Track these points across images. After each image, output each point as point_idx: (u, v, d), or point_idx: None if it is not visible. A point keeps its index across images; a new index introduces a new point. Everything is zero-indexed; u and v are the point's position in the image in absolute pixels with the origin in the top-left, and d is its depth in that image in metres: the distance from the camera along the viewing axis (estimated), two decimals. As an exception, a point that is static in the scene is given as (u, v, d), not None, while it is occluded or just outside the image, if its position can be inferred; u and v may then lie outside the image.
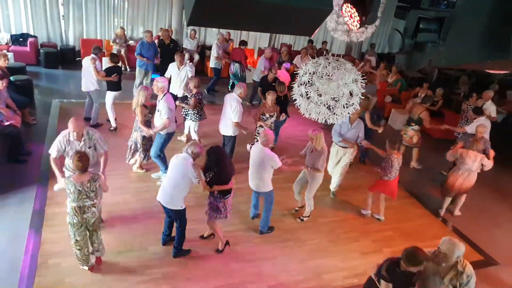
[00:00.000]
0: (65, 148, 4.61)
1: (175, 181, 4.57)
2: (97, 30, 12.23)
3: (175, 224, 4.89)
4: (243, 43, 10.93)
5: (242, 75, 10.70)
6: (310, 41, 13.61)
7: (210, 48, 13.06)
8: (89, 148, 4.67)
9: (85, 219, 4.16)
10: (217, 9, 1.87)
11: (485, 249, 6.08)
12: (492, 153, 6.39)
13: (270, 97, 6.93)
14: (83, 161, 3.99)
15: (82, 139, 4.63)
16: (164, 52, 9.57)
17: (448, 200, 6.74)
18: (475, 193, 7.34)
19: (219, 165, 4.62)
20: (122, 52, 11.32)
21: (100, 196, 4.38)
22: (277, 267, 5.10)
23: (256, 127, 7.18)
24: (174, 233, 5.00)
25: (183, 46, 11.87)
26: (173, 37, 10.85)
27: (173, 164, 4.61)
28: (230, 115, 6.61)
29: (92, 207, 4.16)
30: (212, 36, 13.48)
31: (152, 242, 5.14)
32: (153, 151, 6.28)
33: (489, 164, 6.26)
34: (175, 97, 7.57)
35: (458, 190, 6.51)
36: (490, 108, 8.49)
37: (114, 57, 7.82)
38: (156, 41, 10.04)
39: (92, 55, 7.57)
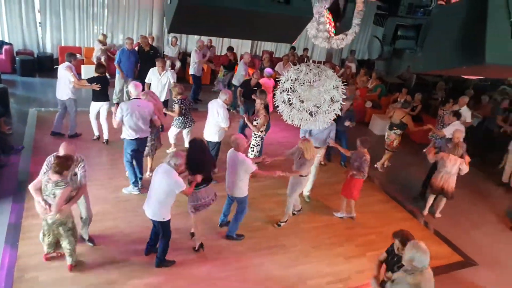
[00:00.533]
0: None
1: (158, 194, 4.46)
2: (75, 38, 12.05)
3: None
4: (230, 49, 10.94)
5: (228, 82, 10.73)
6: (292, 48, 13.74)
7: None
8: (74, 175, 4.53)
9: (43, 218, 4.25)
10: (198, 16, 1.87)
11: (465, 250, 6.20)
12: (467, 158, 6.55)
13: (259, 100, 6.91)
14: (58, 165, 4.04)
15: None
16: (144, 59, 9.48)
17: (431, 199, 6.89)
18: (454, 196, 7.51)
19: (202, 153, 4.78)
20: (103, 59, 11.18)
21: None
22: (261, 274, 5.08)
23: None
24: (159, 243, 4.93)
25: (164, 53, 11.82)
26: (154, 44, 10.79)
27: (156, 176, 4.51)
28: (215, 121, 6.54)
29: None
30: (193, 43, 13.46)
31: (134, 253, 5.05)
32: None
33: (465, 168, 6.43)
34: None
35: (439, 190, 6.67)
36: (466, 113, 8.72)
37: (99, 67, 7.48)
38: (136, 48, 9.96)
39: (67, 63, 7.29)
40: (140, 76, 9.42)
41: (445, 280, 5.43)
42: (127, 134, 5.94)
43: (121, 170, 6.63)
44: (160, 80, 7.92)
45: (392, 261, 3.91)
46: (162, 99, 7.80)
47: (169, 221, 4.63)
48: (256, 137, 7.05)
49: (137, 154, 6.19)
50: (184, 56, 12.82)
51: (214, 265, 5.09)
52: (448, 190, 6.63)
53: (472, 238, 6.60)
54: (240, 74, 10.05)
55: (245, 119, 6.90)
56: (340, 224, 6.41)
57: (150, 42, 10.08)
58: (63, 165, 4.05)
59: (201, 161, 4.80)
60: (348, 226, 6.39)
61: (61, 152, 4.40)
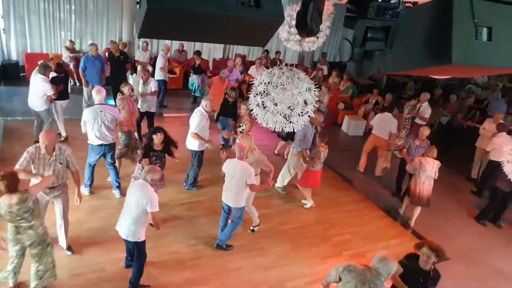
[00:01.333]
0: (33, 161, 4.36)
1: (132, 212, 4.17)
2: (42, 44, 11.69)
3: None
4: (198, 53, 10.84)
5: (202, 87, 10.60)
6: (265, 51, 13.80)
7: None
8: (60, 164, 4.47)
9: (19, 240, 3.92)
10: (168, 20, 1.84)
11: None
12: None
13: (244, 106, 6.90)
14: (7, 180, 3.68)
15: (54, 153, 4.43)
16: (114, 65, 9.30)
17: (407, 201, 6.85)
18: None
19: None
20: (71, 66, 10.89)
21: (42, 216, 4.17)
22: (241, 277, 5.05)
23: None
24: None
25: (135, 58, 11.61)
26: (125, 49, 10.60)
27: (131, 193, 4.25)
28: (191, 127, 6.39)
29: (28, 229, 3.86)
30: (165, 47, 13.32)
31: (109, 262, 4.93)
32: None
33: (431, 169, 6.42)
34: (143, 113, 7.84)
35: (423, 201, 6.55)
36: (426, 109, 9.04)
37: (59, 67, 7.55)
38: (106, 53, 9.77)
39: (43, 77, 6.93)
40: (109, 82, 9.24)
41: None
42: (91, 139, 5.90)
43: (98, 178, 6.48)
44: (144, 89, 7.83)
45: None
46: (143, 109, 7.84)
47: (144, 241, 4.35)
48: None
49: (107, 160, 6.12)
50: (155, 61, 12.65)
51: (193, 271, 5.03)
52: (429, 198, 6.55)
53: (444, 233, 6.78)
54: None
55: (226, 135, 6.98)
56: (317, 225, 6.47)
57: (120, 47, 9.90)
58: (8, 177, 3.71)
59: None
60: (324, 226, 6.45)
61: (42, 142, 4.31)
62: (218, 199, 6.63)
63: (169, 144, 5.58)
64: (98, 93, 5.98)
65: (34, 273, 4.11)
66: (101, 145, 5.88)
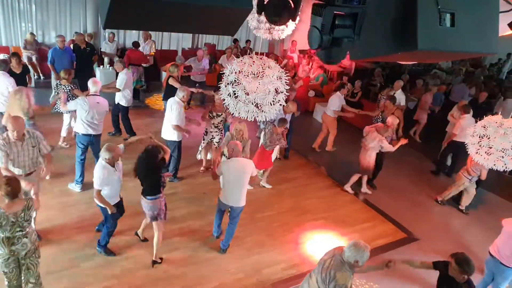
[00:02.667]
0: (7, 153, 4.23)
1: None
2: (1, 36, 11.16)
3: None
4: (136, 44, 10.52)
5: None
6: (235, 40, 13.69)
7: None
8: (33, 147, 4.40)
9: (13, 251, 3.61)
10: (134, 10, 1.79)
11: (407, 227, 6.59)
12: (403, 141, 7.02)
13: (218, 96, 6.84)
14: (13, 185, 3.49)
15: (24, 138, 4.32)
16: (81, 57, 9.00)
17: (355, 177, 7.31)
18: (393, 176, 7.98)
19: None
20: (34, 59, 10.48)
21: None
22: (218, 268, 5.08)
23: (206, 130, 7.09)
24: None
25: (102, 50, 11.28)
26: (90, 41, 10.27)
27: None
28: (171, 119, 6.32)
29: (22, 237, 3.62)
30: (133, 38, 12.99)
31: (84, 258, 4.84)
32: None
33: (387, 147, 6.80)
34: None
35: (363, 169, 7.12)
36: (400, 96, 9.26)
37: (2, 64, 6.70)
38: (71, 45, 9.43)
39: (2, 72, 6.46)
40: (75, 75, 8.94)
41: (393, 256, 5.76)
42: (82, 128, 5.88)
43: (66, 172, 6.30)
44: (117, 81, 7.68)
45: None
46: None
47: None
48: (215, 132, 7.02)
49: (94, 150, 6.13)
50: (123, 52, 12.33)
51: (170, 263, 5.01)
52: (369, 167, 7.04)
53: (413, 215, 7.02)
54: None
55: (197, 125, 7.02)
56: (291, 211, 6.56)
57: (87, 39, 9.58)
58: (14, 182, 3.55)
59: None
60: (298, 212, 6.55)
61: (10, 127, 4.22)
62: (194, 190, 6.65)
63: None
64: (93, 84, 6.01)
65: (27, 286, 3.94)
66: (90, 135, 5.94)
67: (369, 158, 6.98)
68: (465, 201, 7.19)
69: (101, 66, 10.52)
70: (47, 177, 4.88)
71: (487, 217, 6.83)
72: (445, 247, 6.23)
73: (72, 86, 6.68)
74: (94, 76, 8.85)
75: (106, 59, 10.80)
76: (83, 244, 5.05)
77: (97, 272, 4.69)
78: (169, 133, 6.43)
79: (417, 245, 6.22)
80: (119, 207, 4.83)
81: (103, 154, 4.41)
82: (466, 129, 7.36)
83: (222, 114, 6.99)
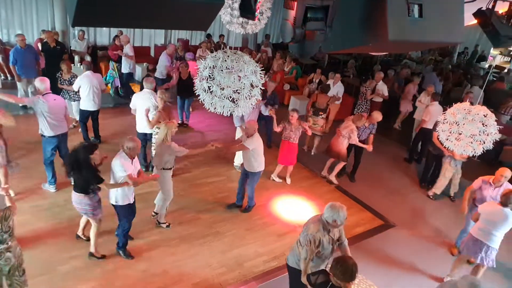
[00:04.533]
0: None
1: None
2: (-37, 36, 10.71)
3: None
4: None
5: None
6: (208, 35, 13.59)
7: (102, 48, 12.31)
8: None
9: None
10: (103, 6, 1.76)
11: (384, 214, 6.75)
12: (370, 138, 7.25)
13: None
14: None
15: None
16: (51, 56, 8.71)
17: (329, 163, 7.54)
18: (370, 165, 8.13)
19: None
20: (0, 59, 10.10)
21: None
22: (199, 263, 5.07)
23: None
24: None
25: (72, 48, 10.97)
26: (59, 39, 9.96)
27: None
28: (143, 112, 6.29)
29: (5, 251, 3.41)
30: (103, 35, 12.71)
31: (61, 262, 4.74)
32: None
33: (354, 138, 6.99)
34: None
35: (334, 153, 7.29)
36: (382, 87, 9.47)
37: None
38: (39, 44, 9.14)
39: None
40: (45, 75, 8.68)
41: (371, 242, 5.91)
42: (47, 131, 5.68)
43: (40, 176, 6.14)
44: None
45: None
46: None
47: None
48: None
49: (62, 153, 5.97)
50: (94, 50, 12.05)
51: (150, 262, 4.97)
52: (339, 153, 7.19)
53: (389, 202, 7.19)
54: (162, 66, 9.69)
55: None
56: (271, 204, 6.60)
57: (55, 37, 9.29)
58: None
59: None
60: (278, 205, 6.59)
61: None
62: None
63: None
64: (42, 83, 5.69)
65: None
66: (57, 136, 5.79)
67: (340, 146, 7.12)
68: (441, 187, 7.41)
69: (72, 65, 10.23)
70: (11, 193, 4.56)
71: (458, 201, 7.05)
72: (421, 232, 6.45)
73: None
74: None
75: (76, 58, 10.52)
76: (58, 247, 4.94)
77: (76, 274, 4.60)
78: (143, 127, 6.51)
79: (394, 231, 6.38)
80: (132, 208, 4.79)
81: (126, 143, 4.35)
82: (434, 116, 7.68)
83: None
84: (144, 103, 6.37)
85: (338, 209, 3.66)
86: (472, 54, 18.83)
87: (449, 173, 7.09)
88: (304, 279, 3.66)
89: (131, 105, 6.62)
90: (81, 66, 9.74)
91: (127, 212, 4.72)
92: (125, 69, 9.93)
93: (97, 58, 11.93)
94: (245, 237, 5.71)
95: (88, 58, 10.97)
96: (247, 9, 2.89)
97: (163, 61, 9.66)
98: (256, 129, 5.79)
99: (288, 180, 7.32)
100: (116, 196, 4.56)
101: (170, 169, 5.34)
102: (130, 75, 10.20)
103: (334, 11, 2.47)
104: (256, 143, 5.79)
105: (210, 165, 7.43)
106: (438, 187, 7.34)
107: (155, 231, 5.52)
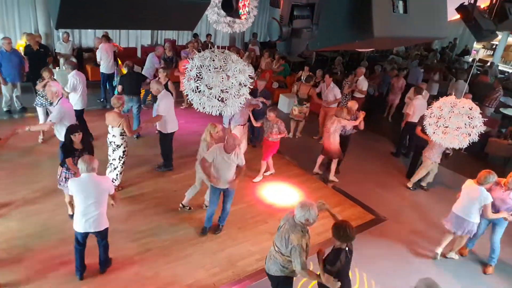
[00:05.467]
0: None
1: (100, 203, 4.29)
2: None
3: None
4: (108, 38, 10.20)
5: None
6: (195, 35, 13.53)
7: (87, 50, 12.17)
8: None
9: None
10: (87, 8, 1.73)
11: (375, 208, 6.81)
12: (361, 115, 7.32)
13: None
14: None
15: None
16: (34, 59, 8.58)
17: (320, 159, 7.60)
18: (355, 159, 8.21)
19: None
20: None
21: None
22: (192, 264, 5.06)
23: None
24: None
25: (56, 50, 10.82)
26: (43, 41, 9.83)
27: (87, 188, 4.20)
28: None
29: None
30: (89, 37, 12.56)
31: (51, 268, 4.68)
32: None
33: (349, 123, 7.14)
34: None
35: (326, 151, 7.35)
36: (363, 83, 9.54)
37: None
38: (21, 48, 8.99)
39: None
40: (29, 79, 8.55)
41: (365, 237, 5.94)
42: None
43: (26, 179, 6.05)
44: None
45: None
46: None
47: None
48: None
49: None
50: (79, 52, 11.90)
51: (142, 265, 4.94)
52: (336, 150, 7.24)
53: (379, 196, 7.26)
54: (150, 68, 9.60)
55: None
56: (262, 202, 6.61)
57: (38, 40, 9.15)
58: None
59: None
60: (269, 204, 6.60)
61: None
62: (163, 189, 6.57)
63: (88, 141, 5.38)
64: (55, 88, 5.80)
65: None
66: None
67: (333, 141, 7.17)
68: (422, 177, 7.55)
69: (57, 68, 10.10)
70: None
71: (447, 193, 7.15)
72: (411, 225, 6.52)
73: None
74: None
75: (61, 60, 10.38)
76: (48, 255, 4.88)
77: (67, 280, 4.54)
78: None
79: (385, 225, 6.44)
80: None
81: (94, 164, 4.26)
82: (418, 109, 7.82)
83: None
84: None
85: (309, 208, 3.60)
86: (450, 48, 19.03)
87: (428, 168, 7.30)
88: (326, 278, 3.65)
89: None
90: (65, 66, 9.62)
91: None
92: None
93: (83, 60, 11.79)
94: (237, 236, 5.71)
95: (74, 60, 10.82)
96: (228, 7, 2.89)
97: (152, 62, 9.59)
98: (238, 145, 5.21)
99: (268, 173, 7.40)
100: None
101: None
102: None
103: (320, 9, 2.47)
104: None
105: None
106: (416, 179, 7.55)
107: (147, 233, 5.48)
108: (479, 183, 5.13)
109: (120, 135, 5.91)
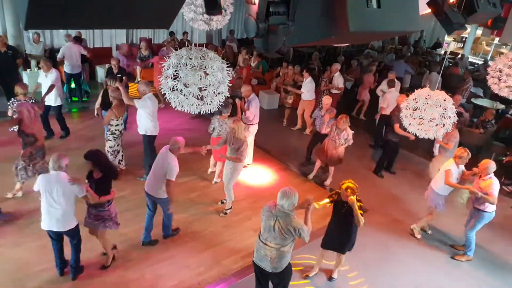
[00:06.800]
0: None
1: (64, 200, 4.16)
2: None
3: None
4: (78, 39, 10.02)
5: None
6: (171, 33, 13.37)
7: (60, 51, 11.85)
8: None
9: None
10: (56, 7, 1.67)
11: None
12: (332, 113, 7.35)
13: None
14: None
15: None
16: (2, 61, 8.31)
17: (317, 165, 7.48)
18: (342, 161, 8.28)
19: (105, 167, 4.41)
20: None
21: None
22: (176, 265, 5.02)
23: None
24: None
25: (27, 52, 10.49)
26: (11, 43, 9.52)
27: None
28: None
29: None
30: (61, 37, 12.23)
31: (31, 277, 4.58)
32: None
33: (350, 132, 7.06)
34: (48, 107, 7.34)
35: (327, 158, 7.20)
36: (338, 79, 9.60)
37: None
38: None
39: None
40: (1, 82, 8.29)
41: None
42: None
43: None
44: (45, 81, 7.19)
45: None
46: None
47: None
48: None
49: None
50: (52, 53, 11.57)
51: (126, 268, 4.88)
52: (333, 159, 7.18)
53: (360, 188, 7.33)
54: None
55: None
56: (245, 199, 6.61)
57: (5, 41, 8.86)
58: None
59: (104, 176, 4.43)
60: (253, 200, 6.61)
61: None
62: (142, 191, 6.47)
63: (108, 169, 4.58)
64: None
65: None
66: None
67: (340, 151, 7.11)
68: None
69: (28, 70, 9.83)
70: None
71: (420, 181, 7.37)
72: (392, 213, 6.65)
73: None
74: (21, 80, 8.23)
75: (33, 62, 10.09)
76: (27, 261, 4.77)
77: (50, 286, 4.46)
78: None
79: (369, 216, 6.52)
80: None
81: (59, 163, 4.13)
82: (391, 102, 7.96)
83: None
84: None
85: (291, 194, 3.84)
86: (418, 40, 19.32)
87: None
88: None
89: None
90: (38, 71, 9.36)
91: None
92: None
93: (56, 62, 11.46)
94: (221, 234, 5.70)
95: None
96: (212, 5, 2.87)
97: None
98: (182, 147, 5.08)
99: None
100: None
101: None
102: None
103: (296, 5, 2.48)
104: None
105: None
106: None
107: (129, 236, 5.41)
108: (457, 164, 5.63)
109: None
